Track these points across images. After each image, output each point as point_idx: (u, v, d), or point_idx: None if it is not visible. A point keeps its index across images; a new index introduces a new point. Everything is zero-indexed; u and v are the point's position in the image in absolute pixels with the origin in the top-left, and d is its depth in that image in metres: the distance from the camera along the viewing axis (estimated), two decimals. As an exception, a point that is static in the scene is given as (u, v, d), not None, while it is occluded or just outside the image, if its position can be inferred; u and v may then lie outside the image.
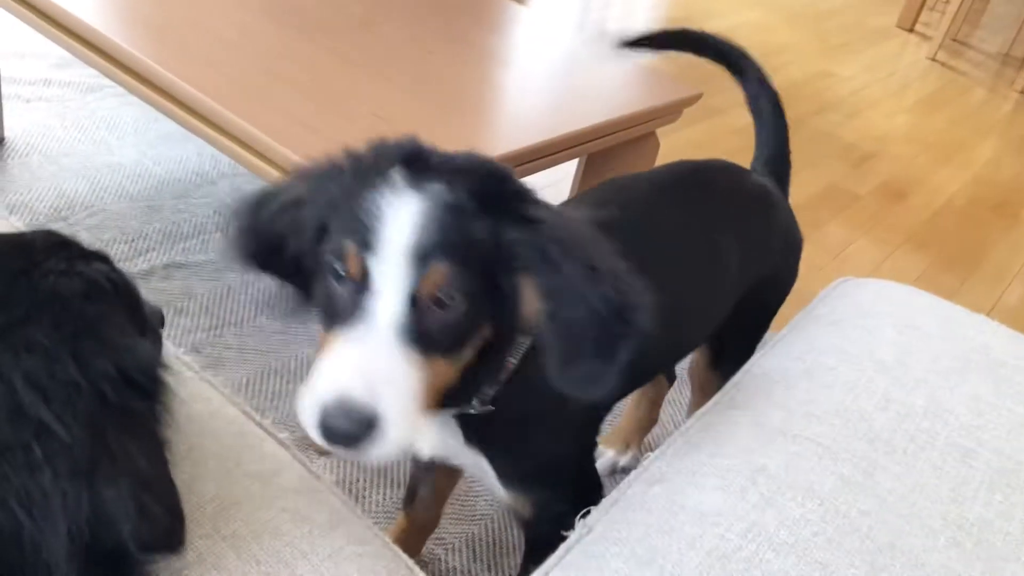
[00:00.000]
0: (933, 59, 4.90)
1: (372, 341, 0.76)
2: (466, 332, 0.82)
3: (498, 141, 1.60)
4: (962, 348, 1.16)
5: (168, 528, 0.64)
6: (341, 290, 0.79)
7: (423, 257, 0.76)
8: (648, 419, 1.76)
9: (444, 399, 0.85)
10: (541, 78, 2.01)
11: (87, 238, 1.08)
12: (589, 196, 1.20)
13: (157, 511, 0.61)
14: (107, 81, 2.19)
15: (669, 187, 1.24)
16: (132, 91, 1.58)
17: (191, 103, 1.47)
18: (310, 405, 0.76)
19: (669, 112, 1.93)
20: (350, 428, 0.73)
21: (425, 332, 0.77)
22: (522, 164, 1.60)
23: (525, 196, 0.83)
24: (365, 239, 0.77)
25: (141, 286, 0.83)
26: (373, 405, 0.74)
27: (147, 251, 2.02)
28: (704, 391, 1.53)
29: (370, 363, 0.76)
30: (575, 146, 1.72)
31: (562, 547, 0.88)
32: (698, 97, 1.97)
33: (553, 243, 0.79)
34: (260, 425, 0.91)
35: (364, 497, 1.58)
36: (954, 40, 5.20)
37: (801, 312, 1.27)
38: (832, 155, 3.43)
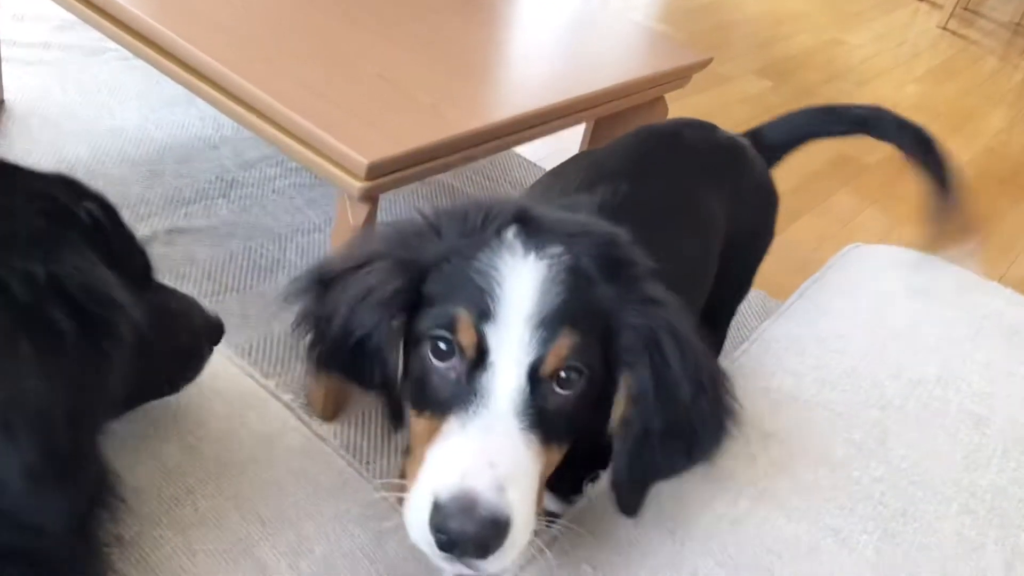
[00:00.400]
0: (944, 28, 4.83)
1: (494, 427, 0.66)
2: (582, 416, 0.72)
3: (505, 104, 1.58)
4: (975, 314, 1.14)
5: (41, 473, 0.50)
6: (447, 368, 0.69)
7: (550, 326, 0.67)
8: None
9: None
10: (549, 41, 1.97)
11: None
12: (564, 176, 1.13)
13: (25, 442, 0.49)
14: (109, 44, 2.16)
15: (646, 154, 1.18)
16: (136, 53, 1.55)
17: (196, 65, 1.44)
18: (420, 505, 0.64)
19: (677, 77, 1.89)
20: (477, 531, 0.61)
21: (545, 415, 0.68)
22: (529, 128, 1.58)
23: (643, 269, 0.75)
24: (481, 307, 0.67)
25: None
26: (502, 504, 0.62)
27: (148, 216, 2.00)
28: None
29: (496, 454, 0.65)
30: (583, 110, 1.69)
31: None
32: (707, 62, 1.94)
33: (666, 337, 0.71)
34: (264, 387, 0.90)
35: (370, 463, 1.57)
36: (965, 9, 5.12)
37: (811, 278, 1.25)
38: (841, 124, 3.39)
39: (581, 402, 0.70)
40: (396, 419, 0.78)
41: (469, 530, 0.61)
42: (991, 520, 0.86)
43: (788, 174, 3.03)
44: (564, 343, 0.67)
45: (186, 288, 1.90)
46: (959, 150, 3.44)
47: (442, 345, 0.69)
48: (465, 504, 0.61)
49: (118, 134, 2.26)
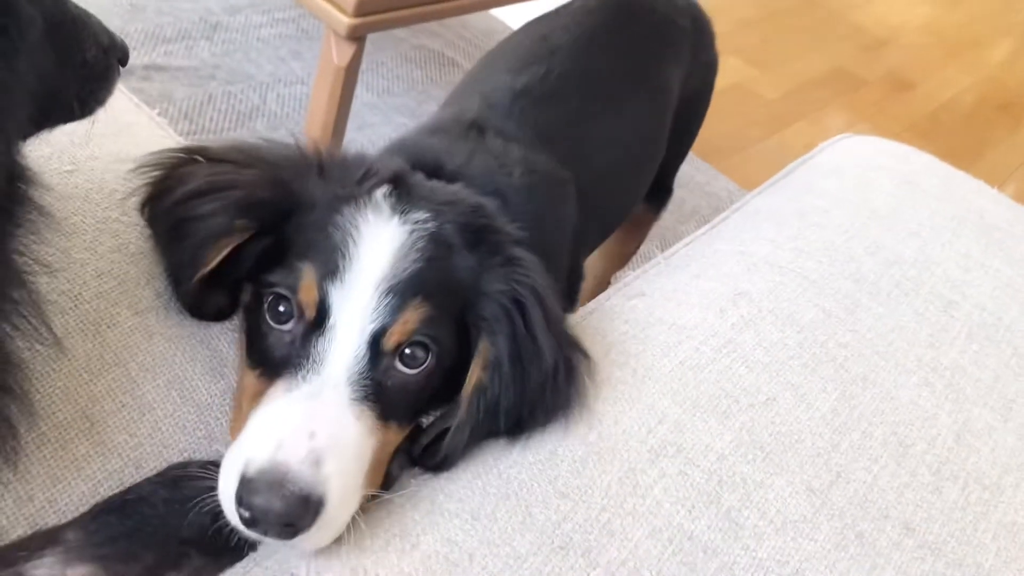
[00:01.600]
0: (961, -47, 4.70)
1: (322, 395, 0.61)
2: (429, 398, 0.69)
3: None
4: (958, 208, 1.13)
5: None
6: (284, 330, 0.64)
7: (400, 294, 0.63)
8: (621, 253, 1.69)
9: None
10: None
11: None
12: (504, 53, 1.09)
13: None
14: None
15: (599, 26, 1.11)
16: None
17: None
18: (229, 475, 0.59)
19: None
20: (283, 508, 0.56)
21: (385, 390, 0.64)
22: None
23: (508, 235, 0.72)
24: (330, 265, 0.63)
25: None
26: (316, 479, 0.57)
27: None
28: (640, 225, 1.55)
29: (318, 423, 0.60)
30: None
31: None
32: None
33: (531, 302, 0.68)
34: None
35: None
36: (985, -64, 4.99)
37: (799, 159, 1.23)
38: (844, 37, 3.32)
39: (428, 382, 0.67)
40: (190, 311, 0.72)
41: (275, 507, 0.56)
42: (947, 395, 0.86)
43: (785, 78, 3.00)
44: (413, 314, 0.63)
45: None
46: (959, 75, 3.40)
47: (282, 306, 0.64)
48: (274, 479, 0.56)
49: (100, -37, 2.16)
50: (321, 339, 0.62)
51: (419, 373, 0.66)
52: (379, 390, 0.63)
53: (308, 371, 0.62)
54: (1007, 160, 2.91)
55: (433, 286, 0.65)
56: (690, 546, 0.67)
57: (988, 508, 0.78)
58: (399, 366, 0.65)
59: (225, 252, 0.66)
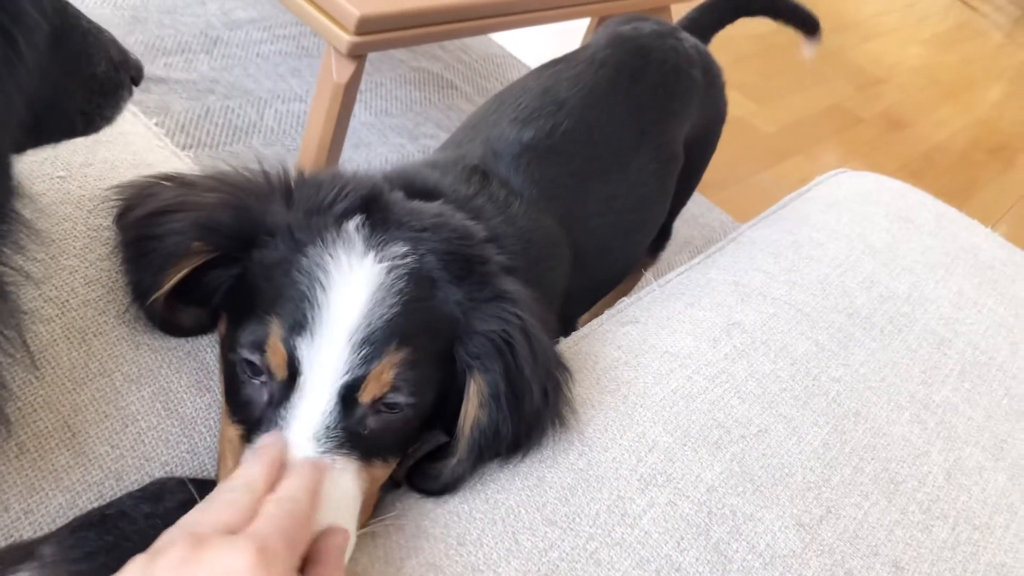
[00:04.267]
0: (956, -3, 4.77)
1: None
2: (416, 427, 0.66)
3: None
4: (952, 246, 1.13)
5: None
6: (257, 384, 0.61)
7: (375, 343, 0.59)
8: (618, 290, 1.68)
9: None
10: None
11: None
12: (518, 101, 1.04)
13: None
14: None
15: (604, 80, 1.07)
16: None
17: None
18: None
19: (687, -13, 1.84)
20: None
21: (364, 437, 0.61)
22: (527, 12, 1.53)
23: (496, 266, 0.69)
24: (297, 318, 0.59)
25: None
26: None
27: (126, 61, 1.93)
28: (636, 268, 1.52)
29: None
30: (582, 3, 1.64)
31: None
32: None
33: (519, 340, 0.65)
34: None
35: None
36: (980, -19, 5.06)
37: (795, 192, 1.23)
38: (840, 76, 3.35)
39: (412, 420, 0.64)
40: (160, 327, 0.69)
41: None
42: (939, 432, 0.86)
43: (783, 113, 3.02)
44: (390, 362, 0.60)
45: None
46: (952, 117, 3.43)
47: (254, 360, 0.61)
48: None
49: (102, -26, 2.16)
50: (293, 395, 0.59)
51: (401, 415, 0.63)
52: (356, 438, 0.61)
53: (281, 431, 0.59)
54: (998, 201, 2.93)
55: (414, 328, 0.62)
56: (678, 578, 0.66)
57: (978, 548, 0.77)
58: (378, 412, 0.62)
59: (183, 274, 0.63)
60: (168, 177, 0.70)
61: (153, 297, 0.64)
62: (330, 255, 0.61)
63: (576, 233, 0.97)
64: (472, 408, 0.65)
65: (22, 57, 0.49)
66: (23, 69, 0.49)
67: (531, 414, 0.67)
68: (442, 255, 0.65)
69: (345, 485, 0.60)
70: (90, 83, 0.61)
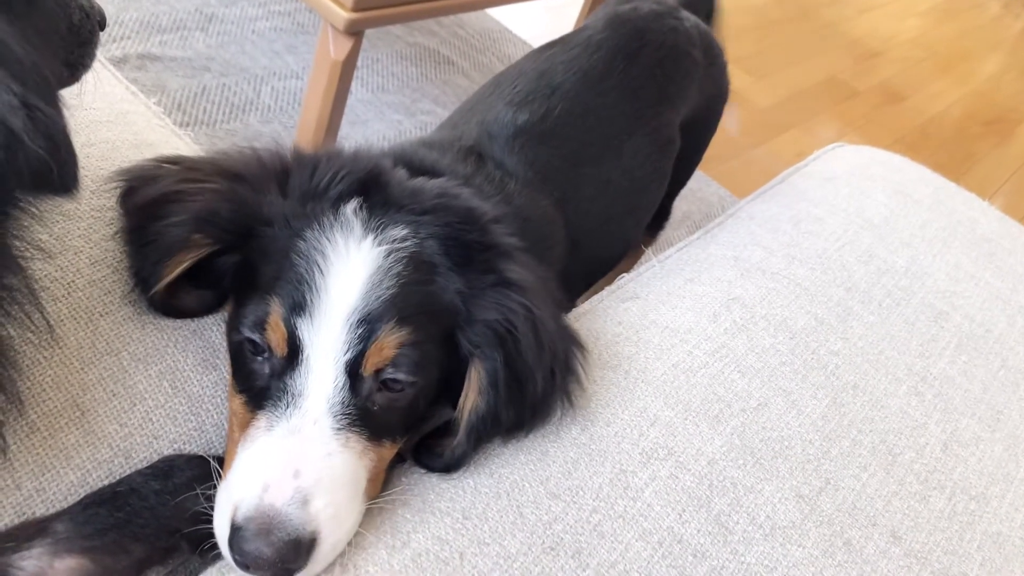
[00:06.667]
0: (953, -32, 4.74)
1: (304, 430, 0.60)
2: (419, 411, 0.67)
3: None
4: (950, 219, 1.14)
5: (54, 147, 0.48)
6: (261, 361, 0.62)
7: (373, 322, 0.60)
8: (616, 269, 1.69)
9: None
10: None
11: None
12: (515, 83, 1.03)
13: (42, 113, 0.47)
14: None
15: (601, 63, 1.06)
16: None
17: None
18: (222, 517, 0.58)
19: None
20: (273, 554, 0.56)
21: (371, 413, 0.62)
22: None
23: (502, 250, 0.69)
24: (297, 299, 0.60)
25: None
26: (304, 520, 0.57)
27: (122, 39, 1.91)
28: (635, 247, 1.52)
29: (302, 461, 0.59)
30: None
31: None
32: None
33: (522, 329, 0.65)
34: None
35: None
36: (977, -49, 5.03)
37: (794, 167, 1.24)
38: (837, 48, 3.34)
39: (417, 400, 0.65)
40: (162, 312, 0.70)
41: (265, 554, 0.55)
42: (936, 404, 0.87)
43: (779, 86, 3.00)
44: (389, 339, 0.61)
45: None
46: (949, 89, 3.42)
47: (253, 342, 0.62)
48: (261, 525, 0.56)
49: (94, -50, 2.15)
50: (297, 372, 0.61)
51: (405, 394, 0.64)
52: (364, 415, 0.62)
53: (288, 405, 0.60)
54: (994, 174, 2.93)
55: (412, 309, 0.62)
56: (679, 549, 0.67)
57: (974, 518, 0.79)
58: (383, 390, 0.63)
59: (185, 266, 0.64)
60: (170, 160, 0.70)
61: (155, 289, 0.65)
62: (328, 239, 0.62)
63: (570, 215, 0.97)
64: (472, 394, 0.66)
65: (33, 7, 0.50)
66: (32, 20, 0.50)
67: (535, 397, 0.68)
68: (443, 240, 0.65)
69: (350, 464, 0.61)
70: (69, 33, 0.62)
